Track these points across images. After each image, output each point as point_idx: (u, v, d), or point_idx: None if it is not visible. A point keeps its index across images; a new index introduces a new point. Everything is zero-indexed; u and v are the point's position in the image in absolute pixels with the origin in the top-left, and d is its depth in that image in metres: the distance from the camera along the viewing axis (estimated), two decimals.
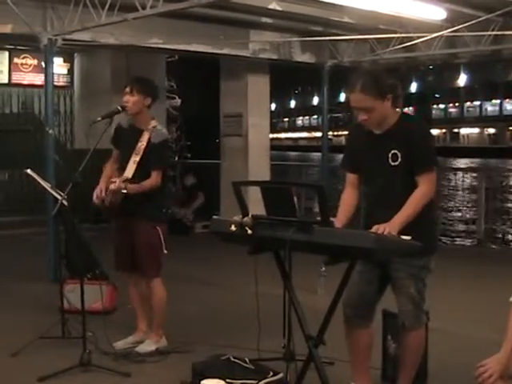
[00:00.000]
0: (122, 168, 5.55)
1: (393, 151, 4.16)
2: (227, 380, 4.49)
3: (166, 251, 5.62)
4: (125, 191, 5.31)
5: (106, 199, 5.46)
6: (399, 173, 4.17)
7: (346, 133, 72.19)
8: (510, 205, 20.70)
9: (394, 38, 10.79)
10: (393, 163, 4.17)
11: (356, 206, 4.46)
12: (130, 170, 5.46)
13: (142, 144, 5.51)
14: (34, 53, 13.61)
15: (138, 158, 5.48)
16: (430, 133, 4.49)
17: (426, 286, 4.30)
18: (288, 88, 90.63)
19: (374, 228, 3.86)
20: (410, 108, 76.05)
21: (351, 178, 4.48)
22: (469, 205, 17.58)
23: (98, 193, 5.52)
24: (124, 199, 5.42)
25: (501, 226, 14.42)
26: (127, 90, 5.55)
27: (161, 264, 5.67)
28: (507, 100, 72.41)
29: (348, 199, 4.45)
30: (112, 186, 5.36)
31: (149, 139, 5.52)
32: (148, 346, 5.65)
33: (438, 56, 11.60)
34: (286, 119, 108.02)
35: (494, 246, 12.38)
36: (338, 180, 14.98)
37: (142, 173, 5.43)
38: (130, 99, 5.52)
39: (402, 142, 4.15)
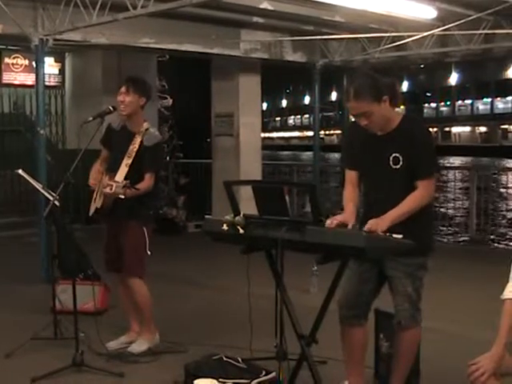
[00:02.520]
0: (111, 169, 5.53)
1: (394, 154, 4.15)
2: (220, 380, 4.50)
3: (149, 252, 5.61)
4: (123, 197, 5.23)
5: (98, 201, 5.45)
6: (400, 176, 4.15)
7: (337, 132, 72.43)
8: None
9: (385, 37, 10.80)
10: (394, 166, 4.16)
11: (357, 202, 4.46)
12: (121, 173, 5.42)
13: (134, 147, 5.48)
14: (25, 53, 13.54)
15: (129, 161, 5.45)
16: (431, 136, 4.49)
17: (422, 285, 4.30)
18: (279, 87, 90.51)
19: (367, 226, 3.88)
20: (402, 107, 76.07)
21: (351, 175, 4.45)
22: (460, 203, 17.57)
23: (92, 182, 5.53)
24: (116, 201, 5.41)
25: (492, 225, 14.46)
26: (123, 89, 5.53)
27: (144, 264, 5.66)
28: (498, 99, 72.51)
29: (350, 195, 4.41)
30: (108, 190, 5.27)
31: (141, 142, 5.50)
32: (140, 346, 5.65)
33: (429, 55, 11.63)
34: (278, 118, 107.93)
35: (485, 245, 12.38)
36: (329, 178, 15.01)
37: (133, 175, 5.39)
38: (126, 99, 5.49)
39: (403, 145, 4.13)
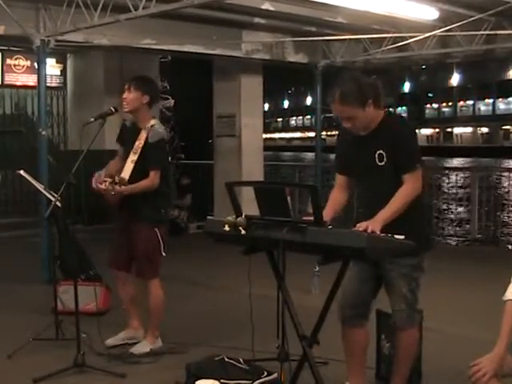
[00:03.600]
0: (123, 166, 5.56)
1: (378, 151, 4.18)
2: (221, 380, 4.50)
3: (164, 253, 5.62)
4: (112, 193, 5.29)
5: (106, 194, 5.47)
6: (386, 172, 4.18)
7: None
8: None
9: (386, 37, 10.81)
10: (379, 163, 4.19)
11: (343, 205, 4.49)
12: (127, 170, 5.45)
13: (140, 143, 5.50)
14: (27, 54, 13.55)
15: (135, 158, 5.47)
16: (413, 131, 4.48)
17: (419, 285, 4.30)
18: (281, 88, 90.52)
19: (357, 226, 3.87)
20: (404, 108, 76.13)
21: (340, 179, 4.52)
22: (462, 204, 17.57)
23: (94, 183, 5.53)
24: (123, 200, 5.43)
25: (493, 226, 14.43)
26: (126, 87, 5.58)
27: (159, 265, 5.67)
28: (500, 99, 72.50)
29: (335, 197, 4.48)
30: (102, 186, 5.33)
31: (146, 138, 5.51)
32: (143, 348, 5.64)
33: (431, 56, 11.63)
34: (280, 119, 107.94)
35: (487, 245, 12.37)
36: (331, 179, 15.00)
37: (140, 172, 5.43)
38: (128, 96, 5.54)
39: (385, 141, 4.16)
